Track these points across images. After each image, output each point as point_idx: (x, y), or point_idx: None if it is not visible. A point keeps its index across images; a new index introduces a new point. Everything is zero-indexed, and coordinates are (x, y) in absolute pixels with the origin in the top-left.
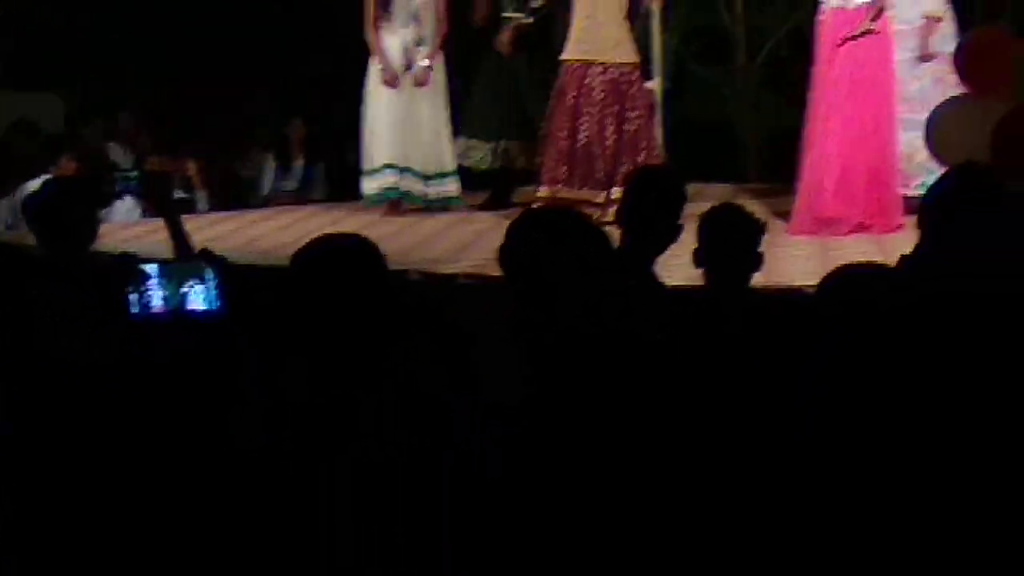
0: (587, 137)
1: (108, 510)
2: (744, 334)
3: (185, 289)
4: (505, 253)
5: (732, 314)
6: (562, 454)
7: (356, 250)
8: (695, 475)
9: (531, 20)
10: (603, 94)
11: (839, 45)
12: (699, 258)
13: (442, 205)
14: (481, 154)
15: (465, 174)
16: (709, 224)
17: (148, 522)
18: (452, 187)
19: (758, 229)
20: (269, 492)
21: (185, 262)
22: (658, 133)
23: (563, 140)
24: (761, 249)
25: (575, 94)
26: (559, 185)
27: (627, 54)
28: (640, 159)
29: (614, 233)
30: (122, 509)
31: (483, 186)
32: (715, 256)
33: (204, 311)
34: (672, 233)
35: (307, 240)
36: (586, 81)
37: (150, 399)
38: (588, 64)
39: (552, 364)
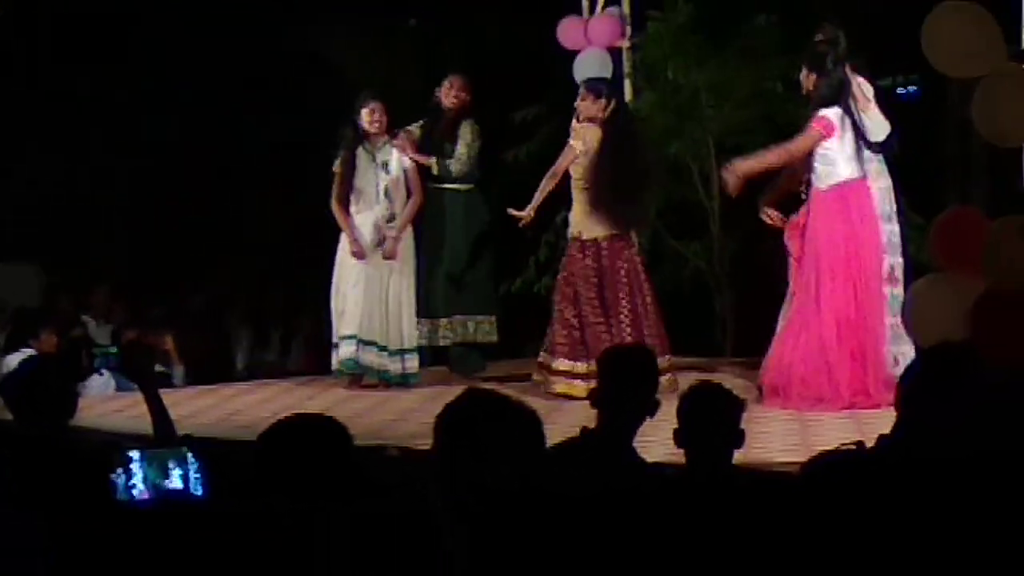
0: (571, 309)
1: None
2: (725, 512)
3: (168, 475)
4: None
5: (713, 492)
6: None
7: (321, 431)
8: None
9: (418, 130)
10: (581, 267)
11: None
12: (680, 438)
13: (400, 381)
14: (432, 333)
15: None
16: (689, 404)
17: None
18: (411, 364)
19: (738, 407)
20: (264, 545)
21: (168, 447)
22: None
23: (557, 311)
24: (742, 426)
25: (565, 267)
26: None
27: (589, 230)
28: (626, 335)
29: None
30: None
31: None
32: (696, 436)
33: (187, 497)
34: (648, 409)
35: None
36: (570, 255)
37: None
38: (575, 239)
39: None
